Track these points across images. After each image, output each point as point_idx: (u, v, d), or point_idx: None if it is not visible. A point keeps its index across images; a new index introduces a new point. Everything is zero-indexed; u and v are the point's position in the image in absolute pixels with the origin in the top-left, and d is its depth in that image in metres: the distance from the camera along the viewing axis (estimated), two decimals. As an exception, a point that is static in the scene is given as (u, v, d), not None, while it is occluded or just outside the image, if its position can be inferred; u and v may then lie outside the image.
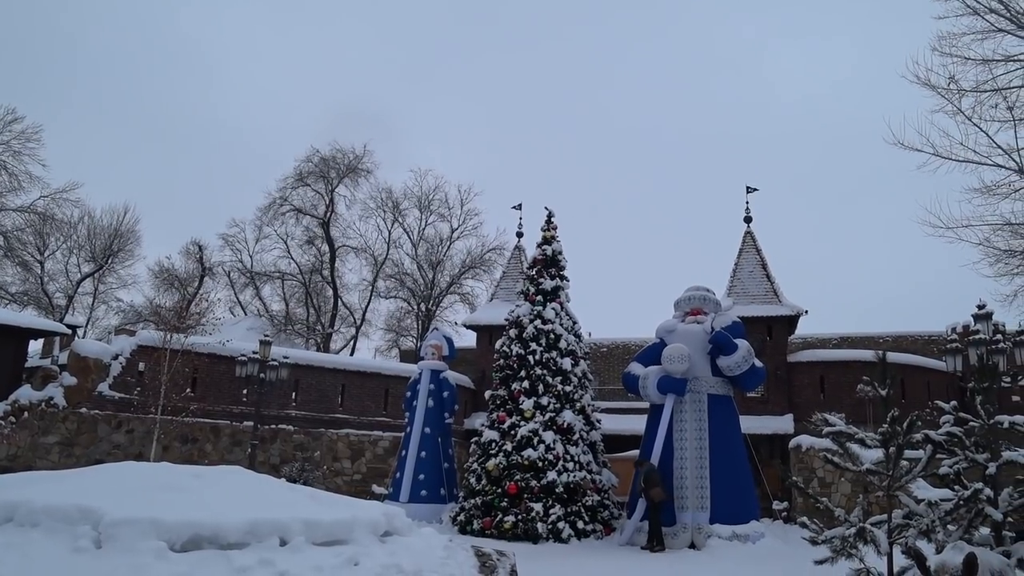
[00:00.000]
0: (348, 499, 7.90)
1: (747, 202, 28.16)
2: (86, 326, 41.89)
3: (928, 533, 8.04)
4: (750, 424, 21.20)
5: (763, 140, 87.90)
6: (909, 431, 8.47)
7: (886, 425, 8.52)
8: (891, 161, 78.35)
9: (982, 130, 11.56)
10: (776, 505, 19.94)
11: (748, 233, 28.09)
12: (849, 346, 28.96)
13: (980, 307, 16.31)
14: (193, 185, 75.88)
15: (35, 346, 28.14)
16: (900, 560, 8.34)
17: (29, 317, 26.77)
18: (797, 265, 70.36)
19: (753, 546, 15.51)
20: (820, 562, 8.80)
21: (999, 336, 16.54)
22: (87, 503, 5.76)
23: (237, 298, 48.41)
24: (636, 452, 18.33)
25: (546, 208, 20.49)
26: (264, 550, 5.66)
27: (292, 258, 46.58)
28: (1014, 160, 11.44)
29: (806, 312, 26.11)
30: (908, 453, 8.67)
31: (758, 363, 17.52)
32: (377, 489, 22.07)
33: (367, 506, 7.33)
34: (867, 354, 24.70)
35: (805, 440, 19.68)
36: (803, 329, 29.54)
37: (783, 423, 24.57)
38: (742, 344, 17.06)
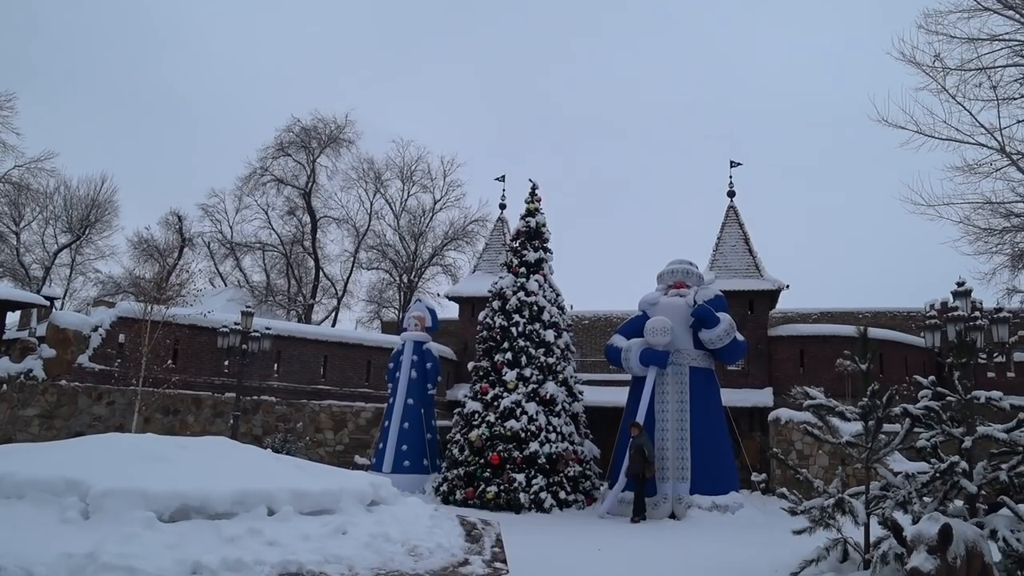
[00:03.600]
0: (335, 469, 7.96)
1: (731, 177, 28.23)
2: (64, 298, 41.45)
3: (905, 504, 8.23)
4: (731, 397, 21.43)
5: (748, 116, 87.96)
6: (888, 405, 8.62)
7: (865, 399, 8.66)
8: (875, 139, 78.80)
9: (966, 109, 11.63)
10: (755, 477, 20.20)
11: (731, 208, 28.16)
12: (829, 321, 29.23)
13: (959, 284, 16.51)
14: (171, 155, 75.03)
15: (12, 318, 27.84)
16: (877, 530, 8.54)
17: (6, 289, 26.44)
18: (779, 240, 70.81)
19: (732, 516, 15.76)
20: (798, 532, 9.00)
21: (977, 313, 16.77)
22: (73, 474, 5.74)
23: (217, 269, 48.08)
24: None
25: (530, 180, 20.46)
26: (252, 520, 5.69)
27: (273, 229, 46.24)
28: (996, 139, 11.52)
29: (787, 287, 26.30)
30: (886, 427, 8.84)
31: (739, 337, 17.67)
32: (360, 459, 22.15)
33: (354, 476, 7.38)
34: (847, 329, 24.99)
35: (784, 413, 19.94)
36: (784, 304, 29.78)
37: (763, 396, 24.85)
38: (724, 318, 17.19)
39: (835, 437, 9.30)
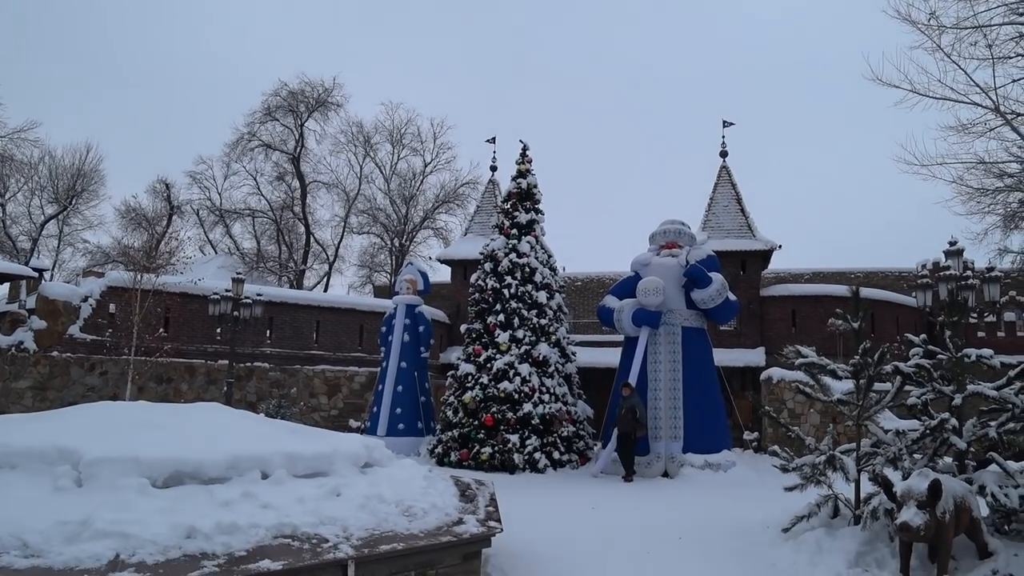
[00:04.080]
0: (328, 432, 7.97)
1: (723, 136, 28.03)
2: (53, 269, 41.16)
3: (895, 461, 8.31)
4: (723, 357, 21.53)
5: (741, 75, 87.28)
6: (879, 363, 8.66)
7: (857, 357, 8.69)
8: (869, 98, 78.33)
9: (961, 68, 11.47)
10: (747, 435, 20.42)
11: (724, 168, 28.01)
12: (821, 281, 29.30)
13: (952, 244, 16.51)
14: (158, 122, 73.94)
15: (1, 291, 27.70)
16: (867, 486, 8.64)
17: (-7, 261, 26.24)
18: (772, 200, 70.78)
19: (725, 474, 15.92)
20: (790, 488, 9.10)
21: (968, 273, 16.80)
22: (66, 443, 5.73)
23: (207, 236, 47.78)
24: None
25: (521, 141, 20.27)
26: (246, 484, 5.71)
27: (262, 195, 45.86)
28: (991, 99, 11.40)
29: (779, 247, 26.29)
30: (877, 385, 8.89)
31: (732, 296, 17.69)
32: (353, 423, 22.23)
33: (347, 439, 7.39)
34: (839, 289, 25.06)
35: (776, 372, 20.07)
36: (776, 264, 29.81)
37: (755, 356, 24.97)
38: (716, 278, 17.20)
39: (827, 395, 9.36)
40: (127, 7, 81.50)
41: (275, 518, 5.25)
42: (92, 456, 5.44)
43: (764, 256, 26.87)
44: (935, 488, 6.93)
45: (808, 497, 9.01)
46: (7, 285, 26.26)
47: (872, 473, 8.30)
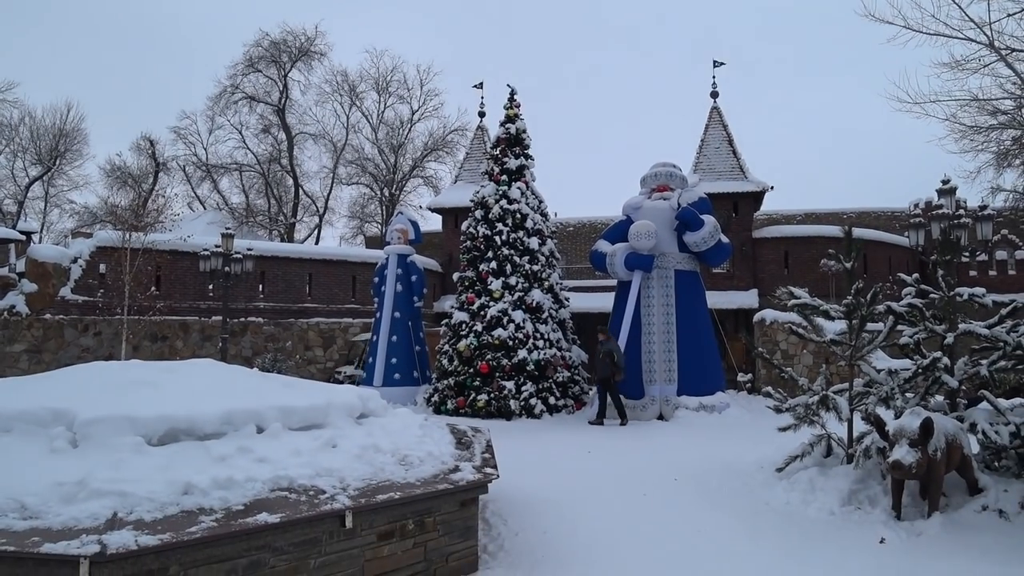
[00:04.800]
0: (322, 384, 7.96)
1: (714, 77, 27.75)
2: (41, 231, 40.85)
3: (887, 400, 8.38)
4: (716, 299, 21.61)
5: (731, 14, 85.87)
6: (872, 303, 8.67)
7: (850, 297, 8.70)
8: (862, 35, 77.19)
9: (955, 2, 11.26)
10: (741, 377, 20.60)
11: (715, 108, 27.75)
12: (813, 222, 29.31)
13: (944, 182, 16.42)
14: (138, 77, 72.56)
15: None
16: (860, 426, 8.73)
17: (-19, 226, 25.98)
18: (764, 142, 70.25)
19: (719, 416, 16.09)
20: (784, 429, 9.19)
21: (961, 212, 16.74)
22: (59, 405, 5.70)
23: (195, 193, 47.38)
24: None
25: (508, 86, 19.99)
26: (242, 438, 5.70)
27: (248, 148, 45.31)
28: (985, 34, 11.20)
29: (771, 188, 26.19)
30: (869, 325, 8.91)
31: (724, 239, 17.65)
32: (348, 370, 22.22)
33: (341, 390, 7.38)
34: (831, 229, 25.07)
35: (769, 314, 20.17)
36: (768, 205, 29.75)
37: (748, 298, 25.07)
38: (708, 220, 17.13)
39: (819, 336, 9.39)
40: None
41: (271, 471, 5.26)
42: (86, 416, 5.41)
43: (756, 198, 26.80)
44: (927, 426, 7.00)
45: (801, 437, 9.12)
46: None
47: (864, 412, 8.38)
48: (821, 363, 17.48)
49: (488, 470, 6.46)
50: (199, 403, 5.98)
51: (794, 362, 19.26)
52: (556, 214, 30.83)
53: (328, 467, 5.55)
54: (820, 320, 9.37)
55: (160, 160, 45.31)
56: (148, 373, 6.84)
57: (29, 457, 5.19)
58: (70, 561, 3.98)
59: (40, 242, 35.36)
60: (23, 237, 24.57)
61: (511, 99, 19.82)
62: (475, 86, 30.95)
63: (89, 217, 40.49)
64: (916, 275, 9.29)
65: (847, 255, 9.10)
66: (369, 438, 6.30)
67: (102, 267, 21.43)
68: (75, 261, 21.31)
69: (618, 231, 18.00)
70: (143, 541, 4.18)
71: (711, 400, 16.50)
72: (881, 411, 8.24)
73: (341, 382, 19.78)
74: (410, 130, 45.64)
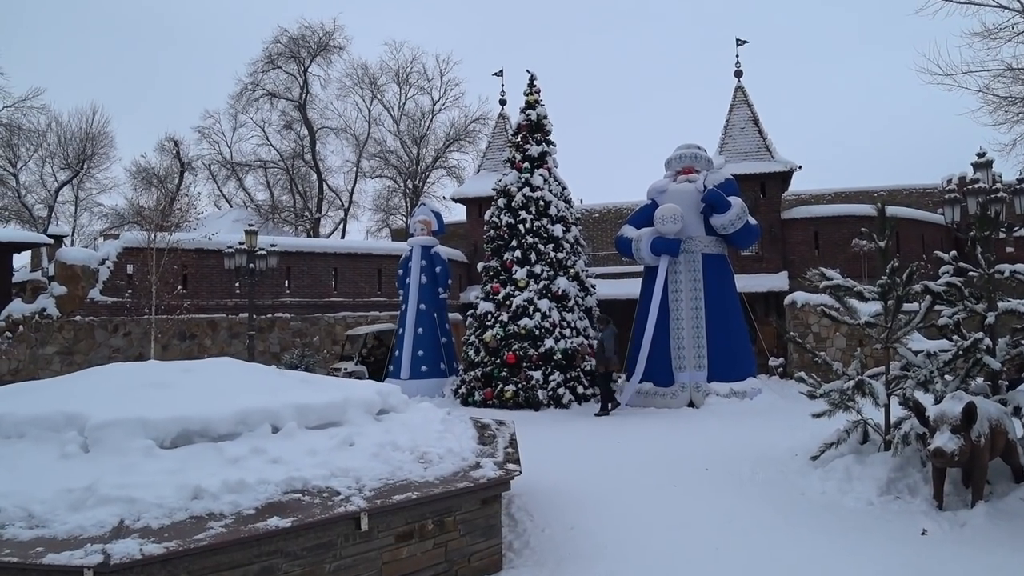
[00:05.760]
0: (340, 380, 7.82)
1: (737, 55, 27.14)
2: (72, 235, 41.40)
3: (926, 384, 8.03)
4: (745, 283, 21.19)
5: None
6: (908, 283, 8.32)
7: (884, 277, 8.36)
8: (890, 7, 75.47)
9: (986, -31, 10.83)
10: (772, 361, 20.19)
11: (739, 88, 27.19)
12: (843, 201, 28.64)
13: (980, 155, 15.86)
14: (160, 79, 73.09)
15: (23, 260, 27.88)
16: (897, 411, 8.39)
17: (8, 231, 26.32)
18: (790, 121, 69.17)
19: (751, 402, 15.74)
20: (818, 415, 8.86)
21: (998, 186, 16.19)
22: (72, 408, 5.62)
23: (221, 191, 47.69)
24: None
25: (528, 71, 19.70)
26: (256, 439, 5.57)
27: (271, 145, 45.41)
28: (1018, 0, 10.76)
29: (799, 168, 25.62)
30: (905, 306, 8.57)
31: (752, 221, 17.27)
32: (351, 366, 21.44)
33: (360, 386, 7.24)
34: (862, 208, 24.49)
35: (800, 296, 19.73)
36: (796, 185, 29.16)
37: (778, 280, 24.60)
38: (735, 202, 16.76)
39: (853, 318, 9.05)
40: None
41: (285, 473, 5.11)
42: (97, 420, 5.30)
43: (784, 178, 26.26)
44: (970, 411, 6.68)
45: (836, 423, 8.79)
46: (28, 254, 26.34)
47: (902, 397, 8.03)
48: (855, 346, 17.05)
49: (511, 466, 6.26)
50: (214, 403, 5.86)
51: (827, 345, 18.83)
52: (581, 201, 30.52)
53: (344, 467, 5.38)
54: (853, 302, 9.03)
55: (185, 159, 45.65)
56: (164, 374, 6.74)
57: (40, 463, 5.11)
58: (73, 572, 3.86)
59: (72, 245, 35.82)
60: (50, 241, 24.81)
61: (531, 85, 19.56)
62: (495, 74, 30.69)
63: (117, 219, 40.91)
64: (954, 252, 8.91)
65: (880, 233, 8.74)
66: (387, 435, 6.13)
67: (129, 268, 21.57)
68: (103, 263, 21.47)
69: (643, 215, 17.68)
70: (148, 550, 4.04)
71: (742, 386, 16.16)
72: (920, 395, 7.91)
73: None
74: (432, 121, 45.54)
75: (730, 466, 9.33)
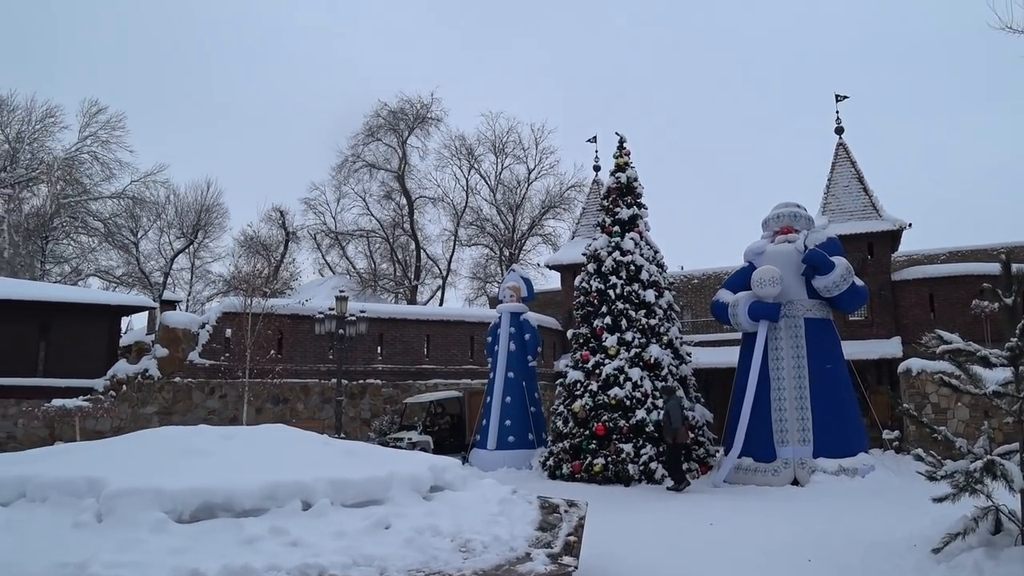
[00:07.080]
0: (390, 453, 7.25)
1: (837, 112, 26.03)
2: (187, 301, 43.26)
3: (1071, 463, 6.79)
4: (854, 349, 19.73)
5: (851, 43, 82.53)
6: (1043, 344, 7.18)
7: (1014, 340, 7.23)
8: (996, 55, 71.86)
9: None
10: (887, 435, 18.46)
11: (840, 145, 26.00)
12: (959, 260, 26.69)
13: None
14: (265, 152, 76.77)
15: (138, 323, 29.10)
16: (1037, 496, 7.14)
17: (115, 295, 27.56)
18: (897, 179, 66.19)
19: (862, 480, 14.30)
20: (939, 499, 7.66)
21: None
22: (96, 474, 5.29)
23: (324, 259, 49.01)
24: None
25: (617, 134, 19.29)
26: (281, 516, 5.05)
27: (372, 214, 46.53)
28: None
29: (910, 226, 24.06)
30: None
31: (858, 282, 16.06)
32: (416, 436, 20.52)
33: (411, 460, 6.65)
34: (982, 267, 22.67)
35: (916, 363, 18.06)
36: (907, 245, 27.42)
37: (890, 346, 22.87)
38: (839, 262, 15.61)
39: (977, 387, 7.87)
40: (225, 47, 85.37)
41: (300, 558, 4.53)
42: (112, 489, 4.94)
43: (893, 237, 24.70)
44: None
45: (962, 508, 7.56)
46: (144, 317, 27.45)
47: (1042, 480, 6.82)
48: (981, 418, 15.34)
49: (567, 560, 5.43)
50: (243, 475, 5.39)
51: (948, 417, 17.06)
52: (682, 268, 29.70)
53: (369, 554, 4.75)
54: (977, 368, 7.87)
55: (290, 229, 47.26)
56: (206, 440, 6.39)
57: (50, 531, 4.77)
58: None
59: (185, 311, 37.30)
60: (155, 305, 25.70)
61: (620, 147, 19.10)
62: (589, 140, 30.57)
63: (224, 285, 42.55)
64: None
65: (1007, 291, 7.64)
66: (429, 518, 5.49)
67: (227, 332, 22.00)
68: (203, 327, 22.03)
69: (741, 279, 16.75)
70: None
71: (852, 462, 14.72)
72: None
73: None
74: (527, 189, 45.83)
75: (837, 557, 8.20)
